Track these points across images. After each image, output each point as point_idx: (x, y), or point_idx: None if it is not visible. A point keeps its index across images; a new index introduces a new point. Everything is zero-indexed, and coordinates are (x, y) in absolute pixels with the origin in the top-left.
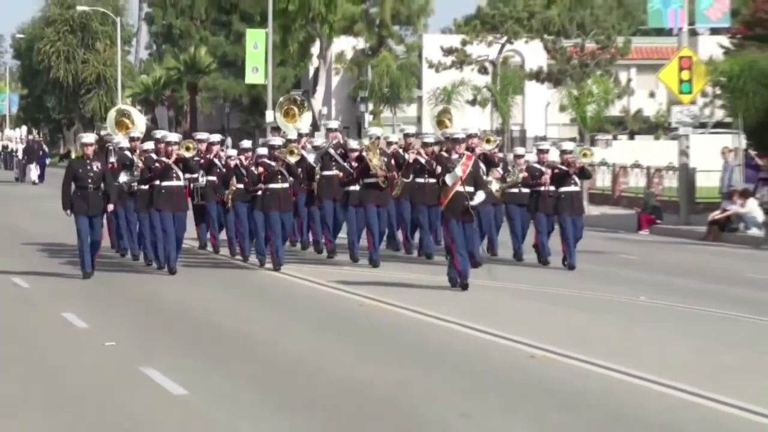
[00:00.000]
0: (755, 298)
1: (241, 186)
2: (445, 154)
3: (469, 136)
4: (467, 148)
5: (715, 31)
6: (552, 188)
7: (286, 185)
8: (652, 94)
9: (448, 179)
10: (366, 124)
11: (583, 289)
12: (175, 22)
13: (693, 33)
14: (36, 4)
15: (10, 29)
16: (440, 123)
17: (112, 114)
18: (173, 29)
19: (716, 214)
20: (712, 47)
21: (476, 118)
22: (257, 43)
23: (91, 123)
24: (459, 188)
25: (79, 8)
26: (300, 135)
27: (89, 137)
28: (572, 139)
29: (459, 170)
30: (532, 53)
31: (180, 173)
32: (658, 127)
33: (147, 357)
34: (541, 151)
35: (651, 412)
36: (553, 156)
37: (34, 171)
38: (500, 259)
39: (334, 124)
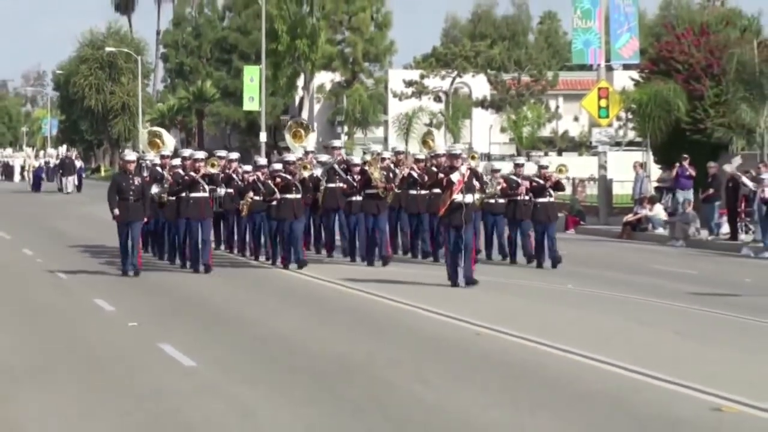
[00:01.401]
0: (662, 286)
1: (258, 198)
2: (434, 168)
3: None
4: (437, 166)
5: (627, 67)
6: (527, 198)
7: (299, 196)
8: (576, 119)
9: (454, 177)
10: (342, 143)
11: (517, 279)
12: (186, 60)
13: (609, 68)
14: (72, 46)
15: (51, 66)
16: (425, 143)
17: (144, 135)
18: (184, 66)
19: (629, 217)
20: (624, 80)
21: (341, 141)
22: (253, 77)
23: (117, 143)
24: (456, 197)
25: (108, 49)
26: (306, 152)
27: (131, 155)
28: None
29: (458, 175)
30: (478, 85)
31: (206, 186)
32: (581, 146)
33: (163, 335)
34: (517, 165)
35: (579, 379)
36: (527, 169)
37: (66, 182)
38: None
39: (338, 143)
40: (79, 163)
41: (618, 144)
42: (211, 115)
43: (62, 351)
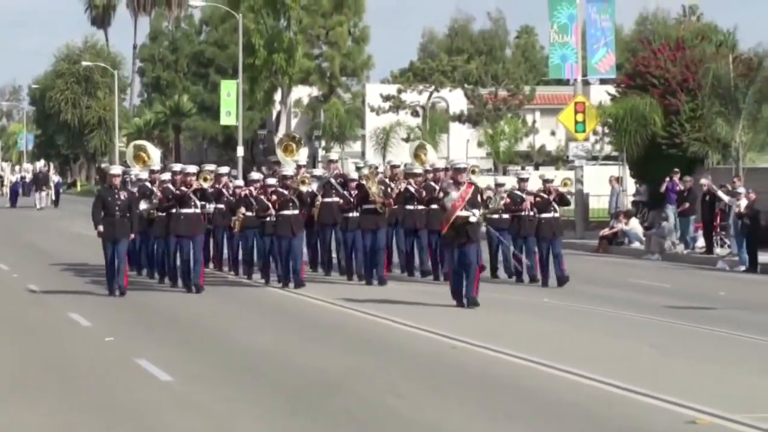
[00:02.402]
0: (638, 299)
1: (250, 214)
2: (432, 183)
3: (446, 169)
4: (434, 180)
5: (603, 81)
6: (532, 213)
7: (296, 212)
8: (553, 133)
9: (447, 202)
10: (320, 157)
11: (494, 292)
12: (163, 74)
13: (586, 83)
14: (48, 60)
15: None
16: (417, 156)
17: (130, 150)
18: (161, 80)
19: (605, 231)
20: (601, 94)
21: (337, 154)
22: (230, 92)
23: (93, 158)
24: (460, 213)
25: (84, 63)
26: (299, 166)
27: (116, 169)
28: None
29: (455, 195)
30: (455, 99)
31: (197, 201)
32: (558, 160)
33: (140, 350)
34: (521, 180)
35: (554, 392)
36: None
37: (37, 198)
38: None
39: (334, 156)
40: (57, 178)
41: (594, 158)
42: (188, 129)
43: (38, 366)
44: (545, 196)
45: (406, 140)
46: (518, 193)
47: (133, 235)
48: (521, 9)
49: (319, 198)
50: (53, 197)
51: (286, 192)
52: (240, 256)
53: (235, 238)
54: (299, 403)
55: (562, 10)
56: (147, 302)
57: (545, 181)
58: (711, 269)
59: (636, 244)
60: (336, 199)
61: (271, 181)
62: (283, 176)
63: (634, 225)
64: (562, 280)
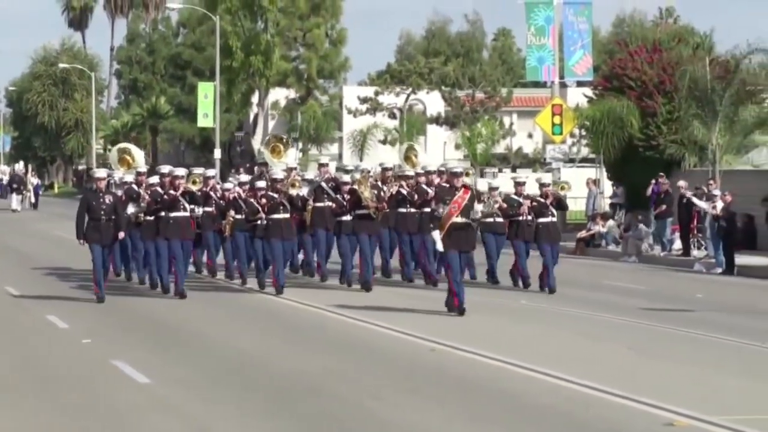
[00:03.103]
0: (615, 302)
1: (240, 217)
2: (424, 186)
3: (440, 172)
4: (427, 183)
5: (580, 84)
6: (530, 218)
7: (287, 215)
8: (530, 135)
9: (442, 210)
10: (297, 159)
11: (473, 295)
12: (140, 76)
13: (563, 85)
14: (25, 62)
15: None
16: (407, 159)
17: (114, 153)
18: (138, 82)
19: (583, 233)
20: (578, 97)
21: (387, 155)
22: (207, 94)
23: (70, 160)
24: (456, 219)
25: (61, 65)
26: (290, 169)
27: (102, 172)
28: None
29: (450, 204)
30: (432, 101)
31: (186, 204)
32: (535, 162)
33: (117, 352)
34: (518, 184)
35: (532, 394)
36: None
37: (14, 200)
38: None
39: (325, 159)
40: (35, 180)
41: (572, 160)
42: (165, 131)
43: (14, 368)
44: (542, 200)
45: (383, 142)
46: (515, 197)
47: (122, 234)
48: (498, 11)
49: (311, 202)
50: (32, 199)
51: (276, 195)
52: (234, 263)
53: (227, 243)
54: (278, 405)
55: (539, 12)
56: (125, 305)
57: (542, 185)
58: (688, 271)
59: (613, 246)
60: (328, 203)
61: (261, 183)
62: (273, 179)
63: (611, 227)
64: (552, 289)
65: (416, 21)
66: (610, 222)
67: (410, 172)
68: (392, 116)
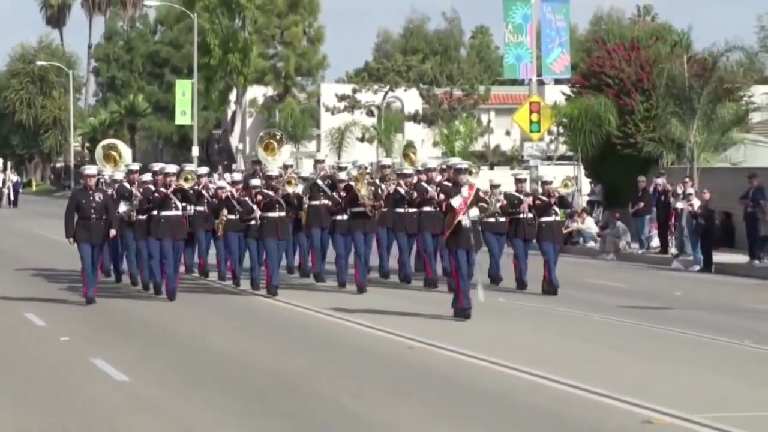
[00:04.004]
0: (594, 299)
1: (233, 217)
2: (424, 184)
3: (443, 170)
4: (427, 181)
5: (558, 81)
6: (530, 215)
7: (282, 214)
8: (508, 133)
9: (455, 202)
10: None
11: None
12: (118, 74)
13: (541, 83)
14: (2, 60)
15: None
16: (406, 156)
17: (99, 150)
18: (116, 80)
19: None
20: (556, 94)
21: (365, 152)
22: (185, 92)
23: (48, 157)
24: (461, 218)
25: (39, 63)
26: (285, 167)
27: (91, 169)
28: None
29: (465, 193)
30: (410, 99)
31: (178, 203)
32: (513, 160)
33: (96, 350)
34: (518, 181)
35: (512, 392)
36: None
37: None
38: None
39: (321, 155)
40: (15, 178)
41: (549, 158)
42: (143, 129)
43: None
44: (545, 198)
45: (361, 140)
46: (515, 194)
47: (114, 232)
48: (476, 9)
49: (306, 200)
50: (11, 197)
51: (272, 193)
52: (227, 263)
53: (219, 242)
54: (258, 403)
55: (517, 10)
56: (107, 305)
57: (544, 183)
58: (666, 269)
59: (591, 244)
60: (324, 201)
61: (256, 182)
62: (268, 176)
63: (589, 224)
64: (552, 290)
65: (394, 19)
66: (588, 219)
67: (409, 170)
68: (370, 114)
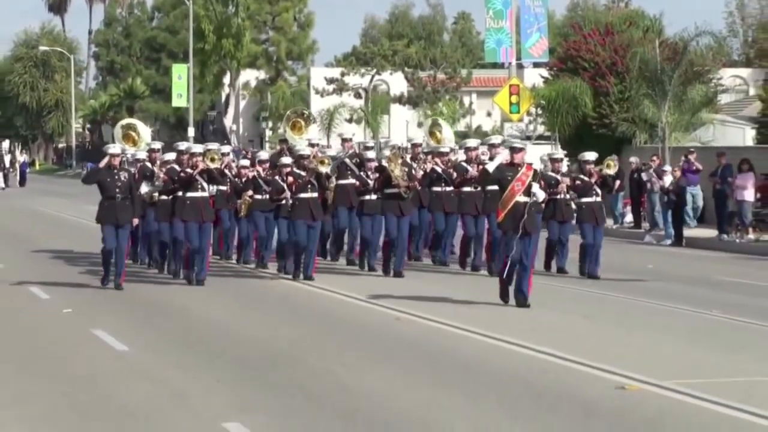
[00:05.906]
0: (570, 273)
1: (259, 197)
2: (464, 164)
3: (492, 145)
4: (467, 161)
5: (536, 65)
6: (568, 196)
7: (315, 195)
8: (489, 114)
9: (490, 167)
10: (267, 137)
11: (436, 271)
12: (117, 58)
13: (520, 66)
14: (6, 45)
15: None
16: (431, 134)
17: (118, 129)
18: (115, 64)
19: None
20: (534, 77)
21: (353, 133)
22: (181, 75)
23: (51, 138)
24: (519, 198)
25: (41, 48)
26: (312, 145)
27: (116, 148)
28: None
29: (500, 159)
30: (396, 82)
31: (205, 184)
32: None
33: (97, 321)
34: (554, 160)
35: (492, 361)
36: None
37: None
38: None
39: (349, 134)
40: (23, 158)
41: (528, 138)
42: (141, 111)
43: None
44: (586, 179)
45: (350, 121)
46: (552, 174)
47: (136, 220)
48: None
49: (333, 180)
50: (19, 177)
51: (303, 173)
52: (245, 242)
53: (243, 224)
54: (250, 372)
55: None
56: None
57: (585, 162)
58: (639, 243)
59: None
60: (351, 180)
61: (286, 160)
62: (300, 155)
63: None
64: (592, 275)
65: (380, 5)
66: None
67: (445, 149)
68: (358, 96)
